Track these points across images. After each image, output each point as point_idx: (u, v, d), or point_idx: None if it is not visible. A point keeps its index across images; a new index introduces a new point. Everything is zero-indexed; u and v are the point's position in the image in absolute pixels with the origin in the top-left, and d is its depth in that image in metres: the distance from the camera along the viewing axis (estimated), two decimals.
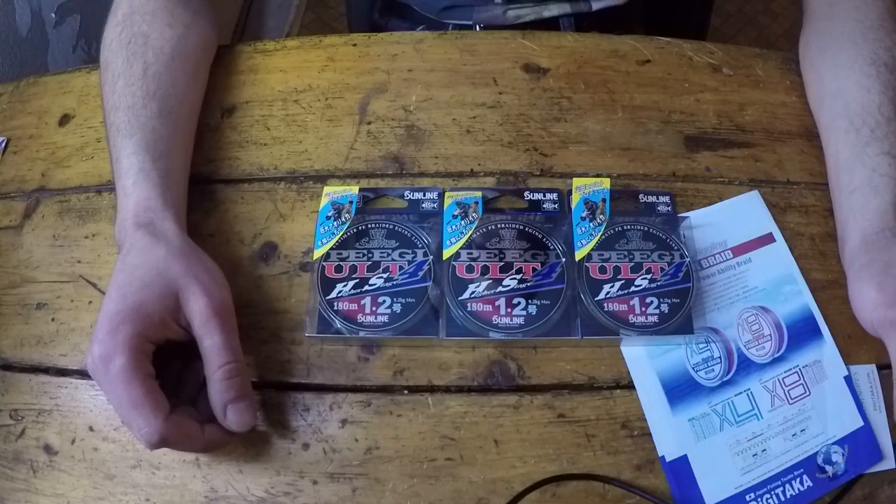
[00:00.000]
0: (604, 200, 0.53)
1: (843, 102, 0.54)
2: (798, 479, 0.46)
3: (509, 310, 0.49)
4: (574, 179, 0.54)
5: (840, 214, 0.52)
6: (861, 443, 0.47)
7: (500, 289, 0.49)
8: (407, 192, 0.54)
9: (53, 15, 0.90)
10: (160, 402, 0.41)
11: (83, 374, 0.50)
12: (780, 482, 0.46)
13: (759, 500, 0.46)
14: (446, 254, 0.51)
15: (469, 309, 0.49)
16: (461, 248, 0.51)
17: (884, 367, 0.49)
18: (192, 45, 0.57)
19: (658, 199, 0.54)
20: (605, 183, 0.54)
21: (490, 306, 0.49)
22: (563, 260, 0.51)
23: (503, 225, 0.52)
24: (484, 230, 0.52)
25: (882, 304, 0.46)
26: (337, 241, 0.52)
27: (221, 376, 0.43)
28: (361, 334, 0.49)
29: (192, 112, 0.57)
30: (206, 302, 0.44)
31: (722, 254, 0.52)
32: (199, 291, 0.44)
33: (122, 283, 0.44)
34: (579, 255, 0.51)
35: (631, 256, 0.51)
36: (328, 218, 0.53)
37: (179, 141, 0.54)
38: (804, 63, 0.59)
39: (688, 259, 0.50)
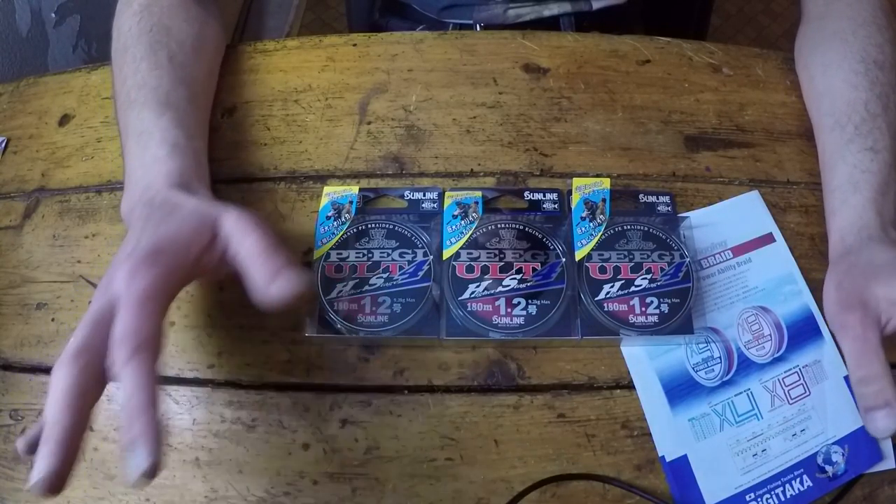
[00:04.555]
0: (604, 200, 0.53)
1: (831, 100, 0.54)
2: (798, 479, 0.46)
3: (509, 310, 0.49)
4: (574, 179, 0.54)
5: (826, 214, 0.52)
6: (861, 443, 0.47)
7: (500, 289, 0.49)
8: (407, 192, 0.54)
9: (53, 15, 0.90)
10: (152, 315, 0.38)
11: None
12: (780, 482, 0.46)
13: (759, 500, 0.46)
14: (446, 254, 0.51)
15: (469, 309, 0.49)
16: (461, 248, 0.51)
17: None
18: (209, 42, 0.58)
19: (658, 199, 0.54)
20: (605, 183, 0.54)
21: (490, 306, 0.49)
22: (563, 260, 0.51)
23: (503, 225, 0.52)
24: (484, 230, 0.52)
25: (836, 302, 0.47)
26: (337, 241, 0.52)
27: (266, 252, 0.41)
28: (361, 334, 0.49)
29: (210, 106, 0.57)
30: (241, 214, 0.43)
31: (722, 254, 0.52)
32: (235, 210, 0.43)
33: (157, 221, 0.42)
34: (579, 255, 0.51)
35: (631, 256, 0.51)
36: (328, 218, 0.53)
37: (204, 130, 0.54)
38: (798, 63, 0.59)
39: (688, 259, 0.50)
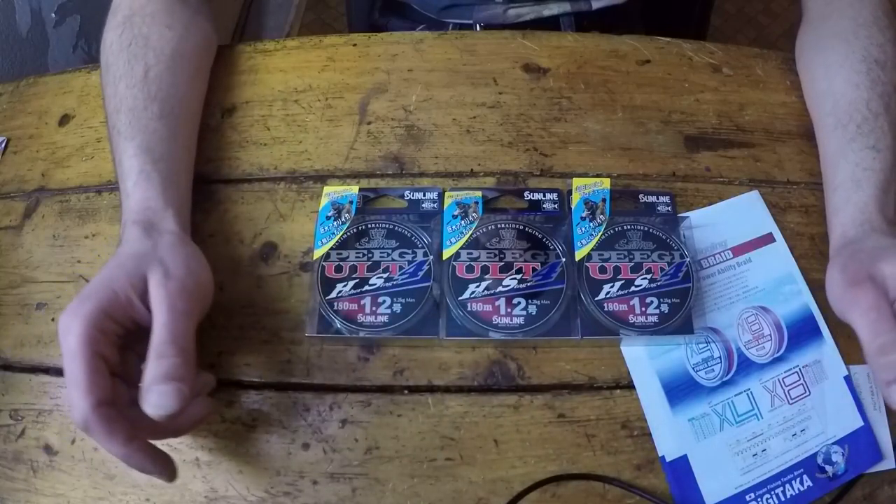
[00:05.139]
0: (604, 200, 0.53)
1: (833, 100, 0.53)
2: (798, 479, 0.46)
3: (509, 310, 0.49)
4: (574, 179, 0.54)
5: (827, 213, 0.52)
6: (861, 443, 0.47)
7: (500, 289, 0.49)
8: (407, 192, 0.54)
9: (53, 15, 0.90)
10: (97, 386, 0.39)
11: None
12: (780, 482, 0.46)
13: (759, 500, 0.46)
14: (446, 254, 0.51)
15: (469, 309, 0.49)
16: (461, 248, 0.51)
17: None
18: (192, 46, 0.57)
19: (658, 199, 0.54)
20: (605, 183, 0.54)
21: (490, 306, 0.49)
22: (563, 260, 0.51)
23: (503, 225, 0.52)
24: (484, 230, 0.52)
25: (843, 283, 0.46)
26: (337, 241, 0.52)
27: (155, 354, 0.41)
28: (361, 334, 0.49)
29: (193, 113, 0.56)
30: (162, 280, 0.43)
31: (722, 254, 0.52)
32: (161, 271, 0.43)
33: (103, 268, 0.44)
34: (579, 255, 0.51)
35: (631, 256, 0.51)
36: (328, 218, 0.53)
37: (181, 142, 0.53)
38: (799, 63, 0.59)
39: (688, 259, 0.50)
